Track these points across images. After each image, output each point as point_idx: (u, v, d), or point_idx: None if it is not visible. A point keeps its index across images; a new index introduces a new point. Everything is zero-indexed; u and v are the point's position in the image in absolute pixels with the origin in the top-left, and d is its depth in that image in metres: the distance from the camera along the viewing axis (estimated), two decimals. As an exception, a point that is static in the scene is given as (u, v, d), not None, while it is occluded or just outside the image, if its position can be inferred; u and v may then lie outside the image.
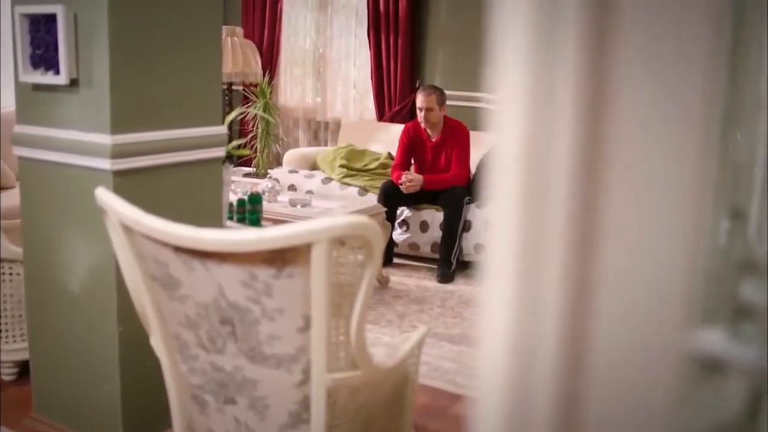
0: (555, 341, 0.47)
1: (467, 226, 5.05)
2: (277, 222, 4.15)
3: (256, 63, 6.33)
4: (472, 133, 5.28)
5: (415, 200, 5.17)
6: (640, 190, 0.44)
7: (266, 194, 4.65)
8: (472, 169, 5.34)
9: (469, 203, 5.09)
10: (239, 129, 6.89)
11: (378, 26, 6.54)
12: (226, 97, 6.47)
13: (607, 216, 0.44)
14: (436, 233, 5.11)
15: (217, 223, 2.75)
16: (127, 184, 2.35)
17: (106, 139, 2.32)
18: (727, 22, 0.43)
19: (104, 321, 2.47)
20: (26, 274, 2.72)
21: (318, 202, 4.77)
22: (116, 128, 2.32)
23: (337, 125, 6.91)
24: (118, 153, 2.32)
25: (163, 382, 1.93)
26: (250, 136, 6.69)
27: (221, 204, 2.81)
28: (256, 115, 6.62)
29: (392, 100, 6.58)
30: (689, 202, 0.42)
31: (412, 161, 5.33)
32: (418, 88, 5.85)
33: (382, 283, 4.73)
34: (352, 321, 1.68)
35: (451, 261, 4.98)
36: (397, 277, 4.94)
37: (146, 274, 1.78)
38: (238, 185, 5.01)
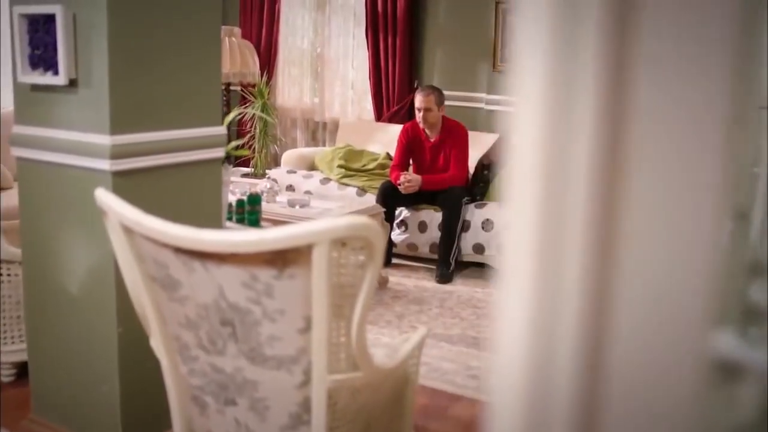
0: (573, 344, 0.46)
1: (466, 227, 5.05)
2: (276, 222, 4.15)
3: (254, 63, 6.32)
4: (470, 134, 5.28)
5: (413, 200, 5.17)
6: (659, 191, 0.44)
7: (265, 195, 4.64)
8: (471, 170, 5.34)
9: (467, 203, 5.08)
10: (237, 129, 6.88)
11: (376, 26, 6.54)
12: (224, 98, 6.46)
13: (627, 218, 0.44)
14: (434, 233, 5.11)
15: (217, 224, 2.75)
16: (126, 184, 2.35)
17: (105, 140, 2.31)
18: (750, 21, 0.42)
19: (103, 322, 2.46)
20: (25, 275, 2.71)
21: (316, 203, 4.77)
22: (115, 129, 2.32)
23: (335, 125, 6.91)
24: (117, 153, 2.32)
25: (163, 384, 1.92)
26: (248, 136, 6.68)
27: (220, 204, 2.80)
28: (254, 115, 6.61)
29: (390, 100, 6.58)
30: (710, 204, 0.42)
31: (411, 161, 5.33)
32: (417, 88, 5.85)
33: (381, 283, 4.73)
34: (353, 322, 1.67)
35: (449, 261, 4.98)
36: (395, 278, 4.94)
37: (146, 275, 1.77)
38: (236, 186, 5.00)
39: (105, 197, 1.75)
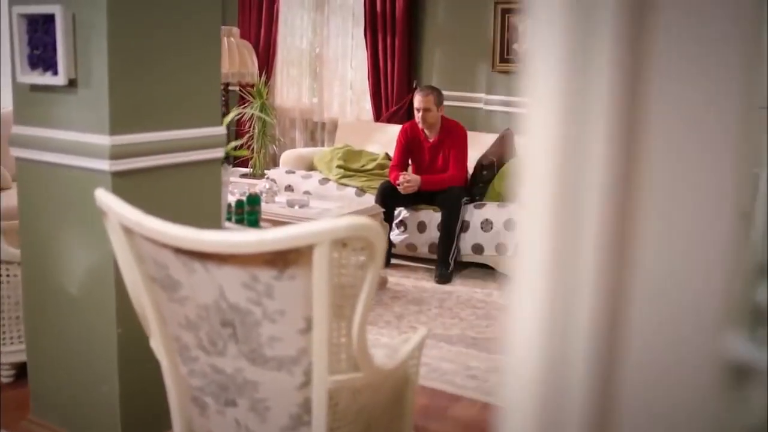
0: (587, 346, 0.46)
1: (465, 227, 5.05)
2: (275, 223, 4.14)
3: (253, 63, 6.31)
4: (469, 134, 5.28)
5: (412, 201, 5.17)
6: (674, 193, 0.43)
7: (264, 195, 4.64)
8: (470, 170, 5.34)
9: (466, 204, 5.08)
10: (236, 129, 6.87)
11: (375, 26, 6.54)
12: (223, 98, 6.44)
13: (641, 220, 0.44)
14: (433, 234, 5.10)
15: (216, 224, 2.74)
16: (125, 185, 2.34)
17: (104, 140, 2.31)
18: (765, 21, 0.42)
19: (103, 322, 2.46)
20: (24, 275, 2.70)
21: (315, 203, 4.77)
22: (115, 129, 2.31)
23: (334, 126, 6.90)
24: (116, 154, 2.31)
25: (163, 384, 1.92)
26: (247, 136, 6.68)
27: (220, 205, 2.80)
28: (252, 115, 6.61)
29: (389, 100, 6.57)
30: (723, 206, 0.42)
31: (410, 162, 5.33)
32: (416, 88, 5.84)
33: (380, 284, 4.73)
34: (353, 323, 1.67)
35: (448, 261, 4.97)
36: (394, 278, 4.93)
37: (146, 276, 1.77)
38: (235, 186, 5.00)
39: (105, 198, 1.75)
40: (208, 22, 2.56)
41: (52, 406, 2.71)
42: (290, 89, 7.30)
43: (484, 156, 5.35)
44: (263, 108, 6.63)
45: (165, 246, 1.65)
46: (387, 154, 5.81)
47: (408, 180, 5.05)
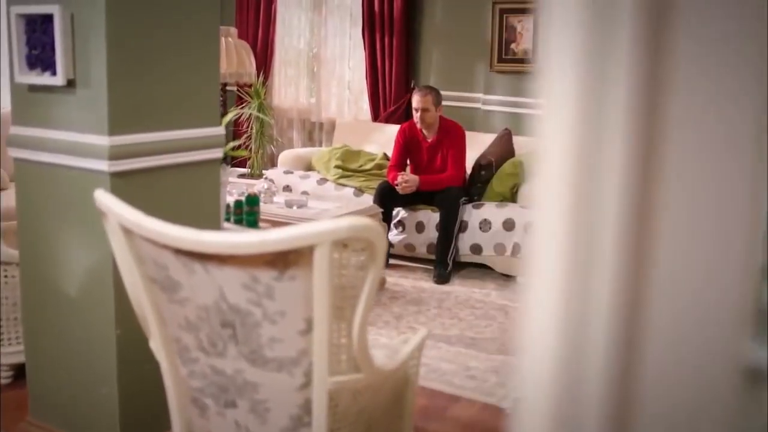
0: (605, 348, 0.46)
1: (463, 227, 5.05)
2: (274, 223, 4.14)
3: (251, 63, 6.30)
4: (467, 134, 5.28)
5: (410, 201, 5.16)
6: (694, 195, 0.43)
7: (262, 195, 4.63)
8: (468, 170, 5.33)
9: (465, 204, 5.08)
10: (233, 130, 6.86)
11: (372, 26, 6.53)
12: (221, 98, 6.44)
13: (660, 222, 0.43)
14: (432, 234, 5.10)
15: (215, 225, 2.74)
16: (124, 185, 2.34)
17: (103, 141, 2.30)
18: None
19: (102, 323, 2.45)
20: (22, 276, 2.70)
21: (314, 203, 4.76)
22: (114, 129, 2.31)
23: (332, 126, 6.90)
24: (115, 154, 2.31)
25: (162, 385, 1.91)
26: (245, 137, 6.67)
27: (219, 205, 2.79)
28: (250, 115, 6.60)
29: (387, 100, 6.57)
30: (745, 208, 0.41)
31: (408, 162, 5.32)
32: (414, 88, 5.84)
33: (379, 284, 4.71)
34: (354, 323, 1.67)
35: (447, 262, 4.97)
36: (393, 278, 4.93)
37: (146, 277, 1.77)
38: (233, 186, 4.99)
39: (104, 198, 1.74)
40: (206, 22, 2.55)
41: (51, 407, 2.70)
42: (288, 89, 7.29)
43: (482, 156, 5.34)
44: (261, 108, 6.62)
45: (165, 247, 1.64)
46: (385, 154, 5.81)
47: (406, 180, 5.05)
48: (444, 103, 5.25)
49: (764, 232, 0.45)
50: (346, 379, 1.72)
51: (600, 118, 0.43)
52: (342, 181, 5.69)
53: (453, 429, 3.02)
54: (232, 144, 4.03)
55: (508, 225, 4.92)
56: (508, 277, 5.00)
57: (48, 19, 2.33)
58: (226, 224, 4.02)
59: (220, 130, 2.67)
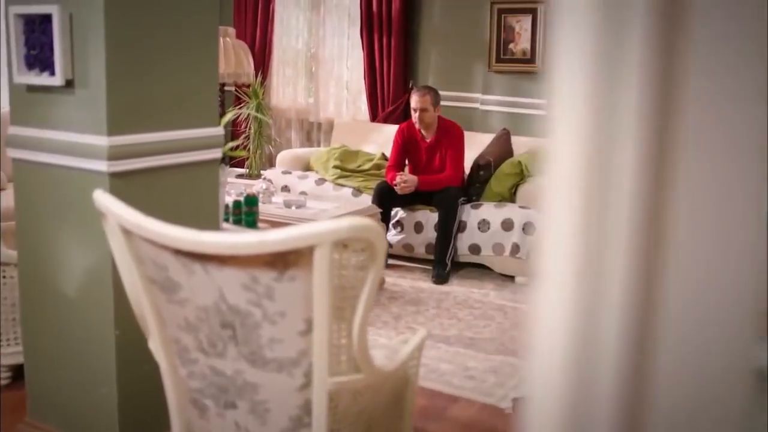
0: (616, 350, 0.45)
1: (462, 227, 5.05)
2: (273, 224, 4.13)
3: (249, 64, 6.30)
4: (466, 134, 5.28)
5: (409, 201, 5.16)
6: (706, 197, 0.43)
7: (260, 195, 4.63)
8: (466, 170, 5.33)
9: (463, 204, 5.08)
10: (231, 130, 6.86)
11: (371, 26, 6.53)
12: (219, 98, 6.43)
13: (672, 224, 0.43)
14: (430, 234, 5.10)
15: (214, 225, 2.73)
16: (123, 186, 2.33)
17: (102, 141, 2.29)
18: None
19: (100, 324, 2.44)
20: (21, 277, 2.69)
21: (312, 203, 4.76)
22: (113, 130, 2.30)
23: (330, 126, 6.89)
24: (114, 155, 2.30)
25: (162, 386, 1.91)
26: (243, 137, 6.66)
27: (218, 206, 2.79)
28: (248, 115, 6.59)
29: (385, 100, 6.57)
30: (757, 211, 0.41)
31: (407, 162, 5.32)
32: (412, 88, 5.84)
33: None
34: (354, 324, 1.66)
35: (445, 262, 4.97)
36: (391, 279, 4.93)
37: (145, 278, 1.76)
38: (231, 186, 4.99)
39: (104, 199, 1.74)
40: (205, 22, 2.55)
41: (50, 408, 2.69)
42: (286, 89, 7.28)
43: (480, 156, 5.34)
44: (259, 108, 6.61)
45: (165, 247, 1.64)
46: (383, 155, 5.80)
47: (405, 180, 5.05)
48: (442, 103, 5.25)
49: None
50: (346, 380, 1.71)
51: (611, 120, 0.42)
52: (340, 181, 5.68)
53: (452, 429, 3.02)
54: (230, 144, 4.02)
55: (507, 225, 4.92)
56: (506, 277, 5.00)
57: (47, 19, 2.32)
58: (224, 225, 4.01)
59: (219, 131, 2.67)
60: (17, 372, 3.06)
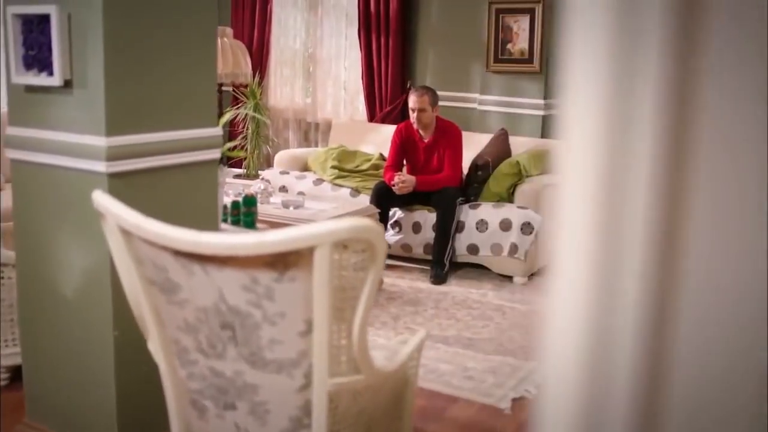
0: (631, 352, 0.45)
1: (460, 227, 5.04)
2: (271, 224, 4.13)
3: (246, 64, 6.30)
4: (464, 134, 5.28)
5: (407, 201, 5.16)
6: (725, 197, 0.42)
7: (258, 196, 4.62)
8: (464, 170, 5.33)
9: (461, 204, 5.08)
10: (229, 130, 6.85)
11: (368, 27, 6.53)
12: (217, 98, 6.42)
13: (688, 229, 0.43)
14: (428, 234, 5.10)
15: (213, 226, 2.73)
16: (122, 186, 2.33)
17: (100, 141, 2.29)
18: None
19: (99, 325, 2.44)
20: (19, 278, 2.68)
21: (310, 204, 4.75)
22: (111, 130, 2.30)
23: (328, 126, 6.89)
24: (113, 155, 2.30)
25: (161, 387, 1.90)
26: (240, 137, 6.66)
27: (216, 206, 2.79)
28: (246, 116, 6.59)
29: (383, 100, 6.56)
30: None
31: (405, 162, 5.31)
32: (410, 88, 5.84)
33: (376, 284, 4.71)
34: (354, 325, 1.66)
35: (444, 262, 4.96)
36: (390, 279, 4.92)
37: (144, 279, 1.76)
38: (229, 187, 4.98)
39: (103, 200, 1.74)
40: (204, 22, 2.54)
41: (48, 409, 2.69)
42: (284, 90, 7.28)
43: (478, 156, 5.34)
44: (257, 108, 6.61)
45: (164, 248, 1.64)
46: (381, 155, 5.80)
47: (403, 180, 5.04)
48: (440, 103, 5.24)
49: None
50: (345, 381, 1.71)
51: (626, 123, 0.42)
52: (338, 181, 5.68)
53: (451, 430, 3.02)
54: (228, 144, 4.02)
55: (505, 225, 4.91)
56: (504, 278, 5.00)
57: (45, 19, 2.32)
58: (223, 225, 4.01)
59: (217, 131, 2.67)
60: (16, 373, 3.05)
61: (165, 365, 1.86)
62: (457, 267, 5.13)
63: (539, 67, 5.90)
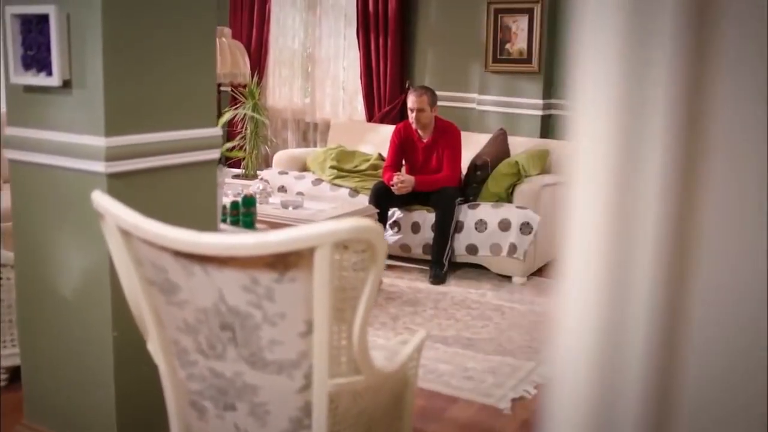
0: (644, 352, 0.44)
1: (459, 227, 5.04)
2: (271, 224, 4.12)
3: (245, 64, 6.29)
4: (463, 134, 5.27)
5: (406, 201, 5.15)
6: (735, 199, 0.42)
7: (257, 196, 4.62)
8: (463, 170, 5.33)
9: (460, 204, 5.07)
10: (227, 130, 6.85)
11: (367, 27, 6.52)
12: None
13: (702, 227, 0.42)
14: (427, 234, 5.09)
15: (212, 226, 2.72)
16: (121, 187, 2.32)
17: (99, 142, 2.28)
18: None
19: (98, 325, 2.43)
20: (18, 278, 2.68)
21: (309, 204, 4.75)
22: (110, 130, 2.29)
23: (326, 126, 6.89)
24: (112, 155, 2.29)
25: (160, 388, 1.90)
26: (239, 137, 6.65)
27: (216, 206, 2.78)
28: (244, 116, 6.58)
29: (382, 100, 6.56)
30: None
31: (404, 162, 5.31)
32: (408, 88, 5.83)
33: (375, 284, 4.70)
34: (354, 325, 1.66)
35: (443, 262, 4.96)
36: (389, 279, 4.92)
37: (144, 279, 1.75)
38: (228, 187, 4.98)
39: (102, 200, 1.73)
40: (203, 22, 2.54)
41: (47, 410, 2.68)
42: (282, 90, 7.28)
43: (477, 156, 5.34)
44: (255, 108, 6.60)
45: (164, 249, 1.63)
46: (380, 155, 5.80)
47: (402, 180, 5.04)
48: (439, 103, 5.24)
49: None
50: (346, 381, 1.71)
51: (639, 122, 0.42)
52: (337, 181, 5.67)
53: (451, 430, 3.01)
54: (228, 145, 4.01)
55: (504, 225, 4.91)
56: (503, 278, 5.00)
57: (44, 19, 2.31)
58: (222, 225, 4.00)
59: (217, 131, 2.66)
60: (14, 374, 3.04)
61: (164, 366, 1.86)
62: (456, 267, 5.13)
63: (538, 67, 5.90)
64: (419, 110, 5.06)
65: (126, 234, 1.70)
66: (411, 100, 5.11)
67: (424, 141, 5.18)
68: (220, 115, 4.23)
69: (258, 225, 4.19)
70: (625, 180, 0.43)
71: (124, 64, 2.31)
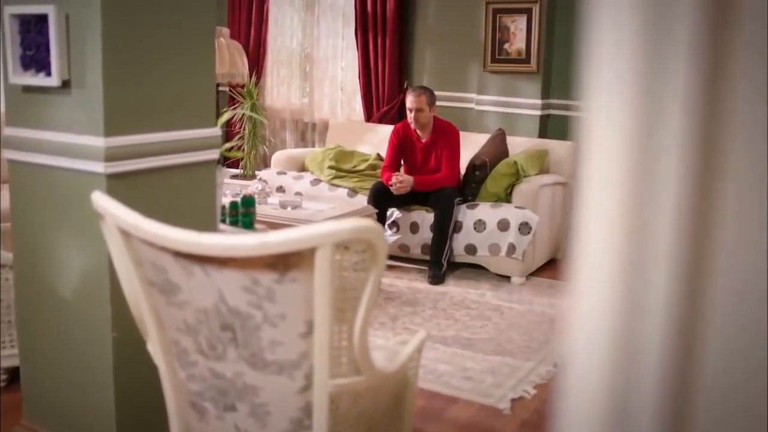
0: (661, 355, 0.44)
1: (458, 227, 5.04)
2: (270, 224, 4.12)
3: (243, 64, 6.28)
4: (461, 134, 5.27)
5: (405, 201, 5.15)
6: (756, 196, 0.42)
7: (256, 196, 4.61)
8: (462, 170, 5.32)
9: (459, 204, 5.07)
10: (226, 130, 6.84)
11: (365, 27, 6.52)
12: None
13: (720, 225, 0.42)
14: (426, 234, 5.09)
15: (211, 227, 2.72)
16: (120, 187, 2.32)
17: (99, 142, 2.28)
18: None
19: (98, 326, 2.43)
20: (17, 279, 2.67)
21: (308, 204, 4.75)
22: (110, 130, 2.29)
23: (325, 126, 6.88)
24: (111, 156, 2.29)
25: (160, 389, 1.90)
26: (237, 137, 6.65)
27: (215, 207, 2.78)
28: (243, 116, 6.58)
29: (380, 100, 6.56)
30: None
31: (402, 162, 5.31)
32: (407, 88, 5.83)
33: (373, 284, 4.70)
34: (355, 326, 1.66)
35: (441, 262, 4.96)
36: (388, 279, 4.92)
37: (144, 280, 1.75)
38: (226, 187, 4.97)
39: (102, 200, 1.73)
40: (202, 23, 2.54)
41: (46, 410, 2.68)
42: (280, 90, 7.27)
43: (476, 156, 5.34)
44: (254, 108, 6.60)
45: (164, 249, 1.63)
46: (379, 155, 5.79)
47: (401, 180, 5.03)
48: (437, 103, 5.24)
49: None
50: (346, 382, 1.70)
51: (655, 122, 0.41)
52: (336, 181, 5.67)
53: (451, 430, 3.01)
54: (226, 145, 4.01)
55: (503, 225, 4.91)
56: (502, 278, 5.00)
57: (43, 19, 2.31)
58: (221, 226, 4.00)
59: (216, 131, 2.66)
60: (13, 375, 3.04)
61: (164, 367, 1.85)
62: (455, 267, 5.13)
63: (536, 67, 5.90)
64: (418, 110, 5.06)
65: (126, 234, 1.70)
66: (409, 100, 5.11)
67: (423, 141, 5.18)
68: (218, 115, 4.22)
69: (257, 225, 4.18)
70: (641, 179, 0.43)
71: (124, 64, 2.30)
